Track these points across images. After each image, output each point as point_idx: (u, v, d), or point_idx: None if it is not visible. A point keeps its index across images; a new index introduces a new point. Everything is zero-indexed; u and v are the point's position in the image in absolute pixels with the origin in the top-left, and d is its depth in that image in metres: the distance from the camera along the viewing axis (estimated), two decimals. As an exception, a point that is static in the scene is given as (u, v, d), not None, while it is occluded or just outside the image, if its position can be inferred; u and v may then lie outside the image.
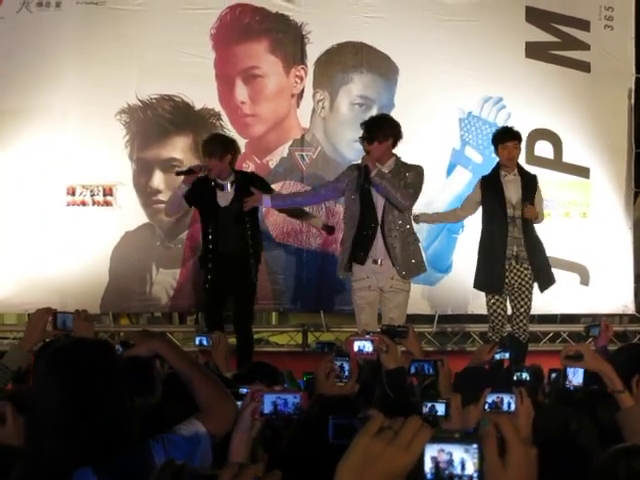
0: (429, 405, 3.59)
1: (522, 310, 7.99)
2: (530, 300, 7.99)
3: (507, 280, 7.93)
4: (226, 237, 7.94)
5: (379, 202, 7.32)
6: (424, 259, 7.62)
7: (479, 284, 8.16)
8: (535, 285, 8.01)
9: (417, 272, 7.52)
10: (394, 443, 1.70)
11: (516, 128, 8.18)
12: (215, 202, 7.94)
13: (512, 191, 7.97)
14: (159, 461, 2.70)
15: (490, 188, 8.04)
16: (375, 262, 7.36)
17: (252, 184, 7.85)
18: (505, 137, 8.03)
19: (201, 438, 2.94)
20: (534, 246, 7.99)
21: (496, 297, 7.97)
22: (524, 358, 7.77)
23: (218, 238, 7.98)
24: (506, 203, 7.93)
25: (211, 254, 8.02)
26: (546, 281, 8.11)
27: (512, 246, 7.91)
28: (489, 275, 8.02)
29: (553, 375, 4.86)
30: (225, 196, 7.93)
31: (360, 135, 7.45)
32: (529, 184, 8.04)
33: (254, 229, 8.08)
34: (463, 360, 5.76)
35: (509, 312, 8.05)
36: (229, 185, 7.87)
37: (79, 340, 3.13)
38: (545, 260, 8.11)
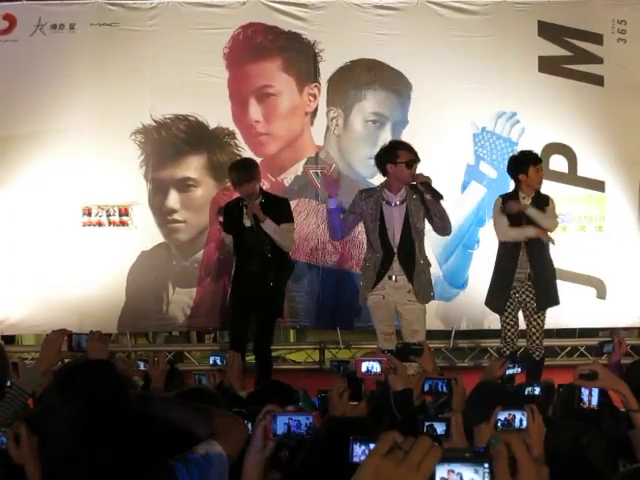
0: (427, 424, 3.54)
1: (537, 327, 7.96)
2: (543, 316, 7.97)
3: (521, 298, 7.93)
4: (250, 256, 8.02)
5: (396, 229, 7.36)
6: (432, 287, 7.67)
7: (488, 303, 8.20)
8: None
9: (427, 299, 7.56)
10: (404, 463, 1.69)
11: (531, 146, 8.19)
12: (241, 222, 8.01)
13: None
14: None
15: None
16: (390, 278, 7.39)
17: (277, 206, 8.04)
18: (537, 160, 7.96)
19: (218, 458, 2.93)
20: (541, 267, 7.96)
21: (507, 314, 7.97)
22: (540, 376, 7.73)
23: (243, 257, 8.09)
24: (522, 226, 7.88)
25: (237, 272, 8.15)
26: (546, 302, 8.04)
27: (525, 268, 7.91)
28: (495, 296, 8.06)
29: (561, 390, 4.80)
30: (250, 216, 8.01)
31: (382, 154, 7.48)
32: (538, 203, 7.97)
33: (275, 249, 8.07)
34: (479, 376, 5.72)
35: (523, 326, 8.04)
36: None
37: (85, 362, 3.12)
38: (551, 281, 8.07)
